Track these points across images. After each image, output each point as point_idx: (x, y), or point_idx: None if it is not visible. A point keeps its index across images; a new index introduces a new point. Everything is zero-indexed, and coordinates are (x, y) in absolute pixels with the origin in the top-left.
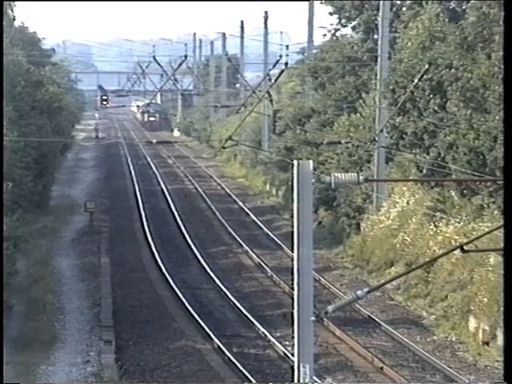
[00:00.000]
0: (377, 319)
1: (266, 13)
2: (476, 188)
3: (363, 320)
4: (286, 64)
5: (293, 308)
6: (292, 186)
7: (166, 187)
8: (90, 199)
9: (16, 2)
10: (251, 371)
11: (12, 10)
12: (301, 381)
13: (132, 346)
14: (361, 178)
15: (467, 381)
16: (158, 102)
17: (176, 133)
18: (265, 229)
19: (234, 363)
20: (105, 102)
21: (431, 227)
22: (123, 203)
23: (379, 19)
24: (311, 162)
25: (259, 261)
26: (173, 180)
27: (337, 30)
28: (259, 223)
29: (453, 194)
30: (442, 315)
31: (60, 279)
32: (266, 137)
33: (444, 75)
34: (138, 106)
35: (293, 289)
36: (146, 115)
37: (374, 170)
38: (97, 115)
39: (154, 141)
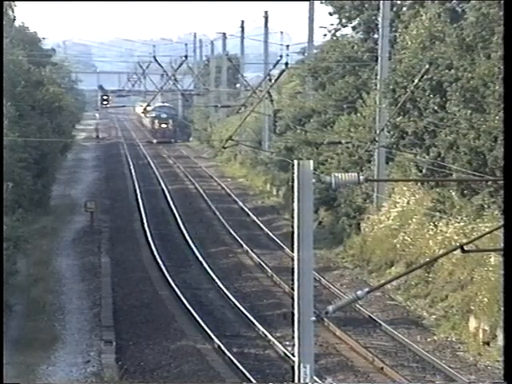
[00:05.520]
0: (377, 319)
1: (267, 13)
2: (476, 188)
3: (363, 320)
4: (287, 64)
5: (293, 308)
6: (292, 186)
7: (167, 187)
8: (91, 199)
9: (16, 2)
10: (251, 371)
11: (12, 10)
12: (301, 381)
13: (132, 345)
14: (361, 178)
15: (467, 381)
16: (160, 101)
17: None
18: (265, 229)
19: (234, 363)
20: (105, 102)
21: (431, 227)
22: (123, 203)
23: (379, 19)
24: (311, 161)
25: (259, 261)
26: (173, 180)
27: (337, 29)
28: (259, 223)
29: (453, 194)
30: (442, 315)
31: (60, 279)
32: (266, 137)
33: (444, 75)
34: (145, 110)
35: (293, 289)
36: (156, 121)
37: (375, 169)
38: (97, 115)
39: (155, 141)
